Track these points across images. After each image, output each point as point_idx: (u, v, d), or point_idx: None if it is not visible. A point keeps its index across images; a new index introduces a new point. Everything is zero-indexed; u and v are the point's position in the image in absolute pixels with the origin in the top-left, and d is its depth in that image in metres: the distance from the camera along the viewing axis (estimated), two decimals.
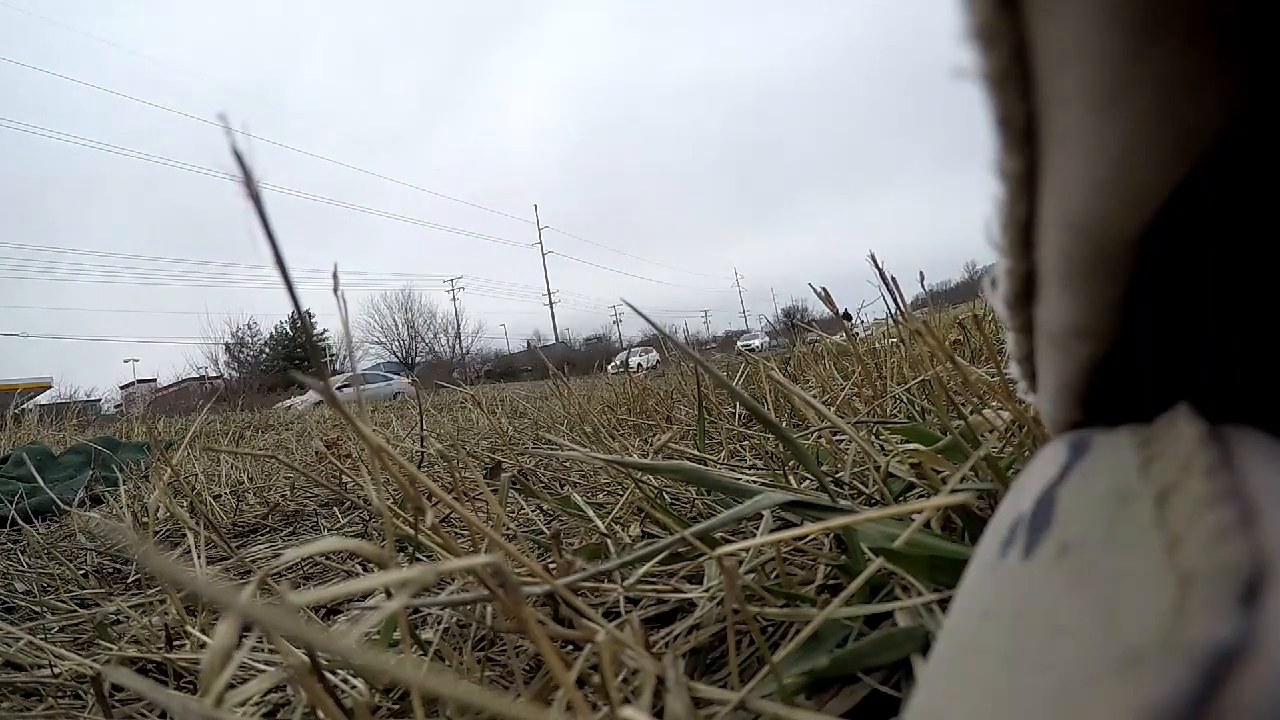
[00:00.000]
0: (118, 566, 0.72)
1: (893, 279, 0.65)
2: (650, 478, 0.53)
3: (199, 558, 0.44)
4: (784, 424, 0.58)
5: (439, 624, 0.36)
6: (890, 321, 0.77)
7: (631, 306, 0.37)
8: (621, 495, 0.52)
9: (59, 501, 0.95)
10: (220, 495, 1.04)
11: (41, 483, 1.01)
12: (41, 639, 0.44)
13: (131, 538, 0.10)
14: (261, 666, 0.35)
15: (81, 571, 0.70)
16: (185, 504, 0.80)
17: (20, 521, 0.99)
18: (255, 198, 0.17)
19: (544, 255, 29.73)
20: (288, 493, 1.04)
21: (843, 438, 0.53)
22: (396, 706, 0.30)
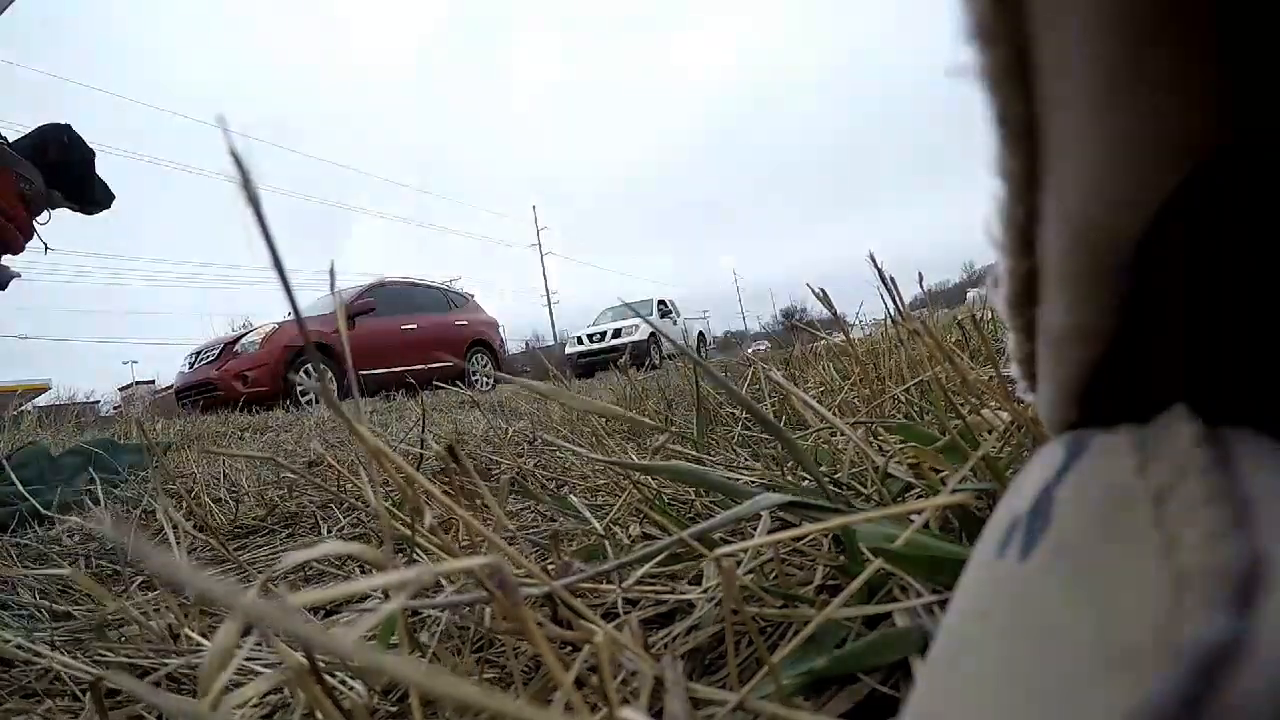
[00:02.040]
0: (116, 569, 0.72)
1: (891, 279, 0.65)
2: (649, 479, 0.53)
3: (186, 559, 0.44)
4: (782, 424, 0.58)
5: (437, 625, 0.36)
6: (889, 322, 0.77)
7: (630, 307, 0.37)
8: (620, 496, 0.52)
9: (58, 502, 0.95)
10: (221, 499, 1.04)
11: (41, 484, 1.01)
12: (40, 641, 0.44)
13: (130, 539, 0.10)
14: (260, 669, 0.35)
15: (79, 573, 0.70)
16: (183, 506, 0.80)
17: (17, 523, 0.99)
18: (253, 200, 0.17)
19: (542, 256, 29.73)
20: (286, 494, 1.04)
21: (841, 438, 0.53)
22: (395, 708, 0.30)
